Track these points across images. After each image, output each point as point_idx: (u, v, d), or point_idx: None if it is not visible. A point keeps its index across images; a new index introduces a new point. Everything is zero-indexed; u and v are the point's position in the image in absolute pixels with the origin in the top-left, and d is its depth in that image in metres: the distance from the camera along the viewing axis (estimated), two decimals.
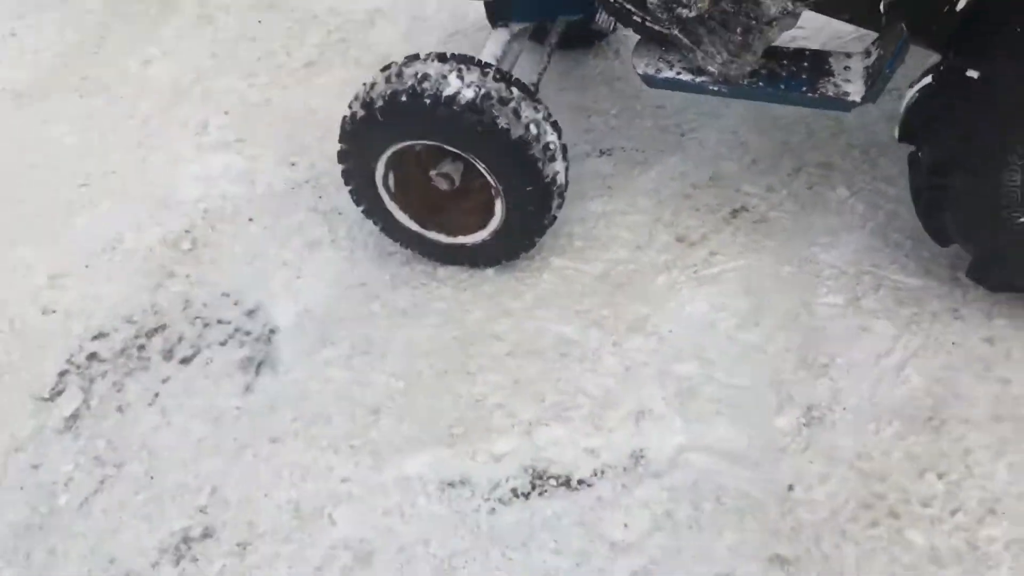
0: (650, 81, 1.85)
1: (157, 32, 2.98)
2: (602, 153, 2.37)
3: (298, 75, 2.75)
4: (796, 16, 1.71)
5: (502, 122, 1.81)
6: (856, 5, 1.80)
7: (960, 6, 1.50)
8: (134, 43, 2.93)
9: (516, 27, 2.16)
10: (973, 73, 1.48)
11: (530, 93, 1.89)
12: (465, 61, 1.87)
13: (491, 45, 2.13)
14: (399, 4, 2.92)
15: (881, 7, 1.77)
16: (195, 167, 2.48)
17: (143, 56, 2.88)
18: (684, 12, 1.71)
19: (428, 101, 1.81)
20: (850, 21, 1.88)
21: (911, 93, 1.61)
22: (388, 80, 1.87)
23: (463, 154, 1.89)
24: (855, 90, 1.75)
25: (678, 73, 1.83)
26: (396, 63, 1.91)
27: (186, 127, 2.60)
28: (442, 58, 1.88)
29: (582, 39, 2.56)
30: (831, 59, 1.82)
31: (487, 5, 2.19)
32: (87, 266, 2.23)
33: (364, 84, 1.93)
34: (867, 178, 2.15)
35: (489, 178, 1.91)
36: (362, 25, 2.88)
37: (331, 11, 2.96)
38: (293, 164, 2.46)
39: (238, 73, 2.77)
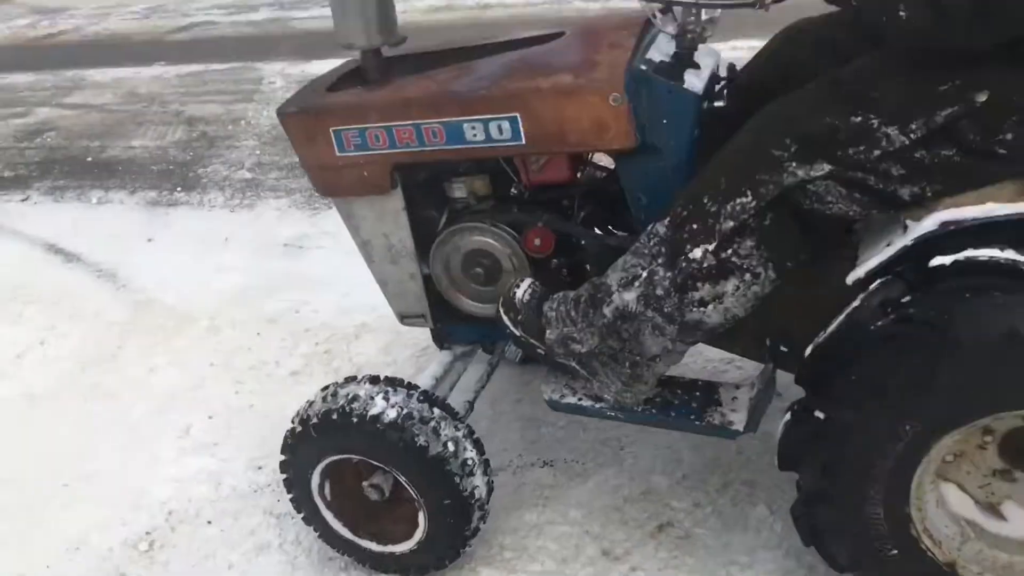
0: (554, 406, 2.02)
1: (170, 343, 3.31)
2: (544, 464, 2.49)
3: (283, 383, 3.00)
4: (681, 353, 1.88)
5: (421, 440, 1.97)
6: (744, 341, 1.98)
7: (808, 351, 1.67)
8: (146, 353, 3.25)
9: (459, 349, 2.40)
10: (820, 414, 1.61)
11: (452, 413, 2.07)
12: (394, 383, 2.07)
13: (433, 366, 2.35)
14: (384, 320, 3.18)
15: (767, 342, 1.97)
16: (171, 469, 2.67)
17: (151, 364, 3.18)
18: (577, 347, 1.91)
19: (355, 420, 2.00)
20: (742, 355, 2.06)
21: (779, 427, 1.73)
22: (324, 399, 2.07)
23: (387, 468, 2.04)
24: (739, 420, 1.88)
25: (580, 399, 1.99)
26: (335, 384, 2.11)
27: (171, 431, 2.82)
28: (374, 380, 2.08)
29: None
30: (721, 389, 1.98)
31: (431, 330, 2.43)
32: (48, 567, 2.36)
33: (305, 402, 2.13)
34: (787, 498, 2.19)
35: (411, 491, 2.04)
36: (348, 338, 3.17)
37: (323, 325, 3.27)
38: (260, 468, 2.63)
39: (230, 380, 3.03)
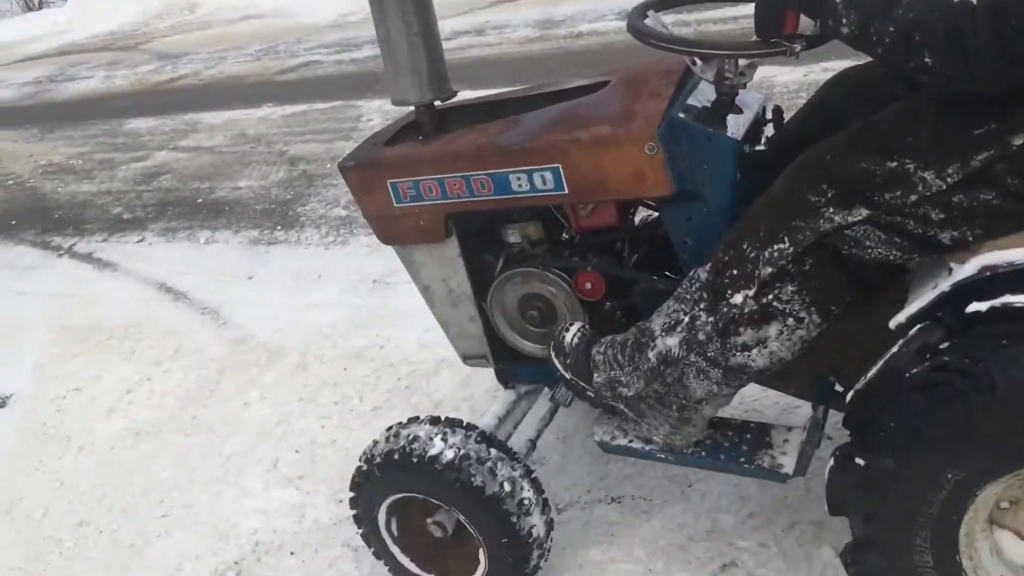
0: (605, 447, 2.05)
1: (262, 377, 3.49)
2: (612, 500, 2.51)
3: (364, 418, 3.12)
4: (728, 396, 1.89)
5: (477, 480, 2.03)
6: (797, 381, 1.96)
7: (849, 396, 1.65)
8: (240, 387, 3.44)
9: (523, 388, 2.46)
10: (861, 461, 1.59)
11: (510, 453, 2.12)
12: (453, 424, 2.14)
13: (496, 405, 2.42)
14: None
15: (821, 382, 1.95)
16: (258, 501, 2.82)
17: (244, 399, 3.36)
18: (624, 391, 1.93)
19: (415, 460, 2.08)
20: (795, 395, 2.04)
21: (826, 472, 1.71)
22: (387, 439, 2.16)
23: (446, 507, 2.11)
24: (788, 463, 1.87)
25: (630, 441, 2.01)
26: (397, 424, 2.20)
27: (260, 464, 2.98)
28: (434, 421, 2.16)
29: None
30: (772, 432, 1.96)
31: (494, 370, 2.49)
32: None
33: (372, 440, 2.22)
34: None
35: (471, 529, 2.10)
36: (427, 374, 3.26)
37: (405, 360, 3.38)
38: (340, 501, 2.73)
39: (315, 415, 3.18)
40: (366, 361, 3.43)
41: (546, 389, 2.47)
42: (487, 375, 3.13)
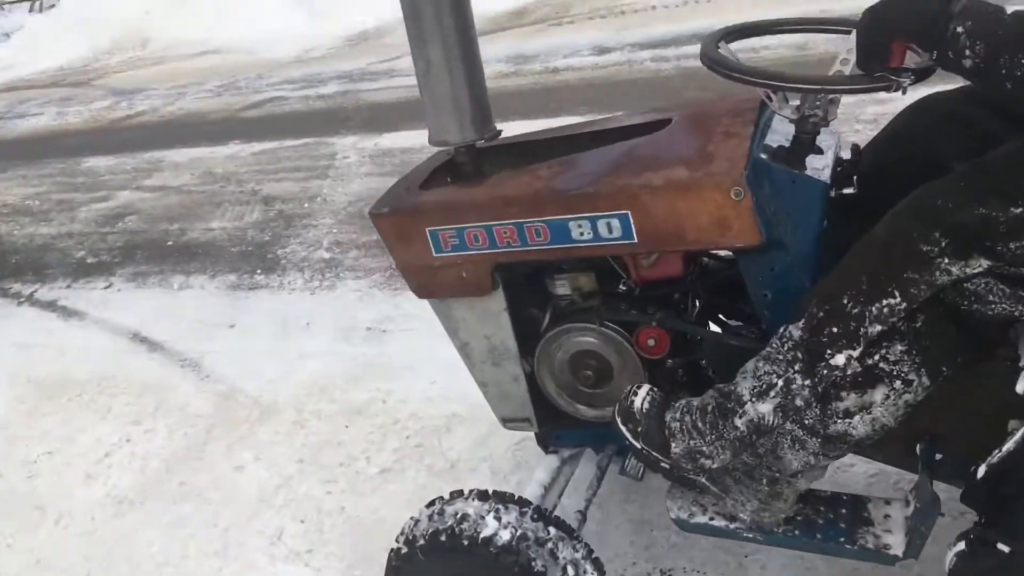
0: (683, 525, 1.85)
1: (254, 436, 3.22)
2: (662, 574, 2.31)
3: (373, 482, 2.87)
4: (823, 468, 1.70)
5: (538, 564, 1.81)
6: (890, 448, 1.78)
7: (981, 471, 1.48)
8: (232, 448, 3.17)
9: (566, 453, 2.24)
10: (1003, 547, 1.41)
11: (569, 532, 1.91)
12: (505, 500, 1.92)
13: (540, 472, 2.20)
14: (476, 410, 3.04)
15: (917, 450, 1.77)
16: None
17: (237, 461, 3.09)
18: (707, 463, 1.73)
19: (466, 542, 1.85)
20: (886, 463, 1.86)
21: (950, 556, 1.53)
22: (431, 518, 1.92)
23: None
24: (896, 543, 1.68)
25: (711, 519, 1.81)
26: (440, 500, 1.97)
27: (263, 536, 2.71)
28: (483, 496, 1.93)
29: None
30: (870, 505, 1.77)
31: (536, 434, 2.28)
32: None
33: (411, 519, 1.98)
34: None
35: None
36: (439, 431, 3.03)
37: (412, 416, 3.14)
38: None
39: (319, 479, 2.92)
40: (369, 417, 3.18)
41: (588, 452, 2.27)
42: (505, 432, 2.93)
